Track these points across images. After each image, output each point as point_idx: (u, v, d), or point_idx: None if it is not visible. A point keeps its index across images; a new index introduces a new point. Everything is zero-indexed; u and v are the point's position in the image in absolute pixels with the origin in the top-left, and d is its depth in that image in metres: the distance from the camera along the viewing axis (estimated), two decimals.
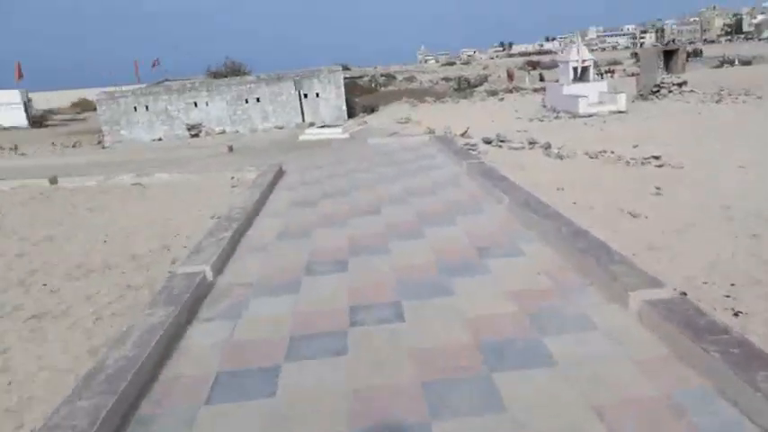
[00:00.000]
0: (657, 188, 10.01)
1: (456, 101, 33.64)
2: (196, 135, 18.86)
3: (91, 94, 41.65)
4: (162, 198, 10.35)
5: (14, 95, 45.88)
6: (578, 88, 29.73)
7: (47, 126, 47.51)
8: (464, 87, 54.26)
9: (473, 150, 14.14)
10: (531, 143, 16.46)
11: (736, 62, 55.47)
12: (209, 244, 6.46)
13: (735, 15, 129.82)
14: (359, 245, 6.43)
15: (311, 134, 16.26)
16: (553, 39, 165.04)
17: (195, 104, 31.47)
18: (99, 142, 31.15)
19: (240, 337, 4.46)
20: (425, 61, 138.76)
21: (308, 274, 5.68)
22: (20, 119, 45.65)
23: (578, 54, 29.92)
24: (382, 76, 71.31)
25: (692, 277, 5.69)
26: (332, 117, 33.13)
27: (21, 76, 47.38)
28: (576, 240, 5.57)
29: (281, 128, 20.93)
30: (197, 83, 32.16)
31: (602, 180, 11.66)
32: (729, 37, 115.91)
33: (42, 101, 60.61)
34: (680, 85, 30.52)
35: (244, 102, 32.06)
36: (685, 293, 5.09)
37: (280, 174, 11.05)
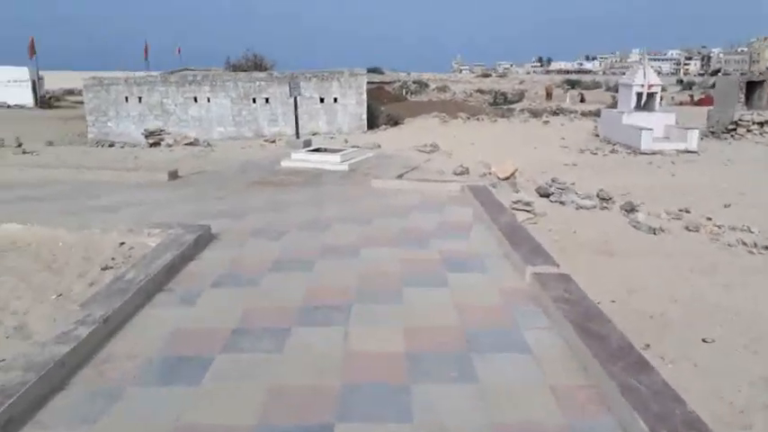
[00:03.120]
0: None
1: (493, 119, 28.54)
2: (156, 143, 14.34)
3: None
4: None
5: (23, 73, 42.00)
6: (641, 118, 24.35)
7: (55, 107, 43.62)
8: (500, 103, 49.04)
9: (527, 210, 9.15)
10: (603, 200, 11.39)
11: None
12: None
13: None
14: None
15: (297, 160, 11.40)
16: (593, 58, 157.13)
17: (195, 100, 26.93)
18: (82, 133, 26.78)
19: None
20: (460, 71, 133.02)
21: None
22: (26, 97, 41.74)
23: (644, 77, 24.57)
24: (414, 83, 66.32)
25: None
26: (350, 126, 28.30)
27: (33, 53, 43.61)
28: None
29: (272, 141, 16.19)
30: (199, 75, 27.57)
31: (757, 299, 6.56)
32: None
33: (62, 80, 56.87)
34: (761, 124, 24.98)
35: (251, 101, 27.45)
36: None
37: (197, 247, 6.17)
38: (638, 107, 24.66)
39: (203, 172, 10.70)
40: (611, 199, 11.38)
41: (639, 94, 24.53)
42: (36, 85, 43.12)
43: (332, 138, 26.36)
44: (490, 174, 11.58)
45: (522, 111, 31.49)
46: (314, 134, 27.57)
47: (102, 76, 27.67)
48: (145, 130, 18.88)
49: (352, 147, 14.02)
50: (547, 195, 10.80)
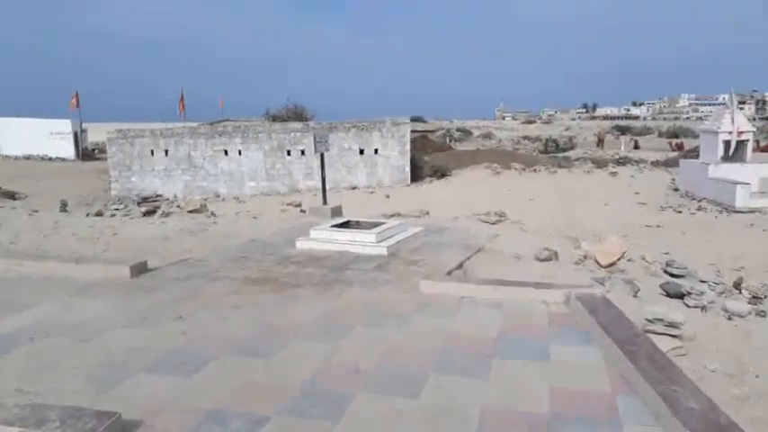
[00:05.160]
0: None
1: (552, 170, 25.00)
2: (150, 212, 11.52)
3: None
4: None
5: (64, 125, 41.00)
6: (732, 170, 20.37)
7: (97, 159, 42.40)
8: (551, 150, 45.38)
9: (672, 334, 5.59)
10: (755, 298, 7.68)
11: None
12: None
13: None
14: None
15: (319, 240, 8.19)
16: (641, 104, 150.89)
17: (225, 153, 24.46)
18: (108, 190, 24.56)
19: None
20: (503, 118, 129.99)
21: None
22: (68, 150, 40.66)
23: (733, 123, 20.76)
24: (458, 131, 63.53)
25: None
26: (392, 179, 25.25)
27: (77, 105, 42.81)
28: None
29: (296, 205, 13.10)
30: (230, 126, 25.17)
31: None
32: None
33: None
34: None
35: (286, 153, 24.81)
36: None
37: None
38: (726, 157, 20.78)
39: (187, 260, 7.57)
40: (765, 297, 7.66)
41: (727, 143, 20.67)
42: (78, 138, 42.04)
43: (372, 192, 23.33)
44: (586, 258, 8.11)
45: (583, 160, 27.82)
46: (353, 188, 24.67)
47: (129, 127, 25.65)
48: (137, 196, 16.21)
49: (393, 217, 10.77)
50: (680, 296, 7.22)
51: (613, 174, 24.30)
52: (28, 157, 38.45)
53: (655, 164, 27.70)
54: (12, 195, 22.80)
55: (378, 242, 7.90)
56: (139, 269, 6.83)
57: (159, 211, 11.71)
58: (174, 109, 46.18)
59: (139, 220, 10.34)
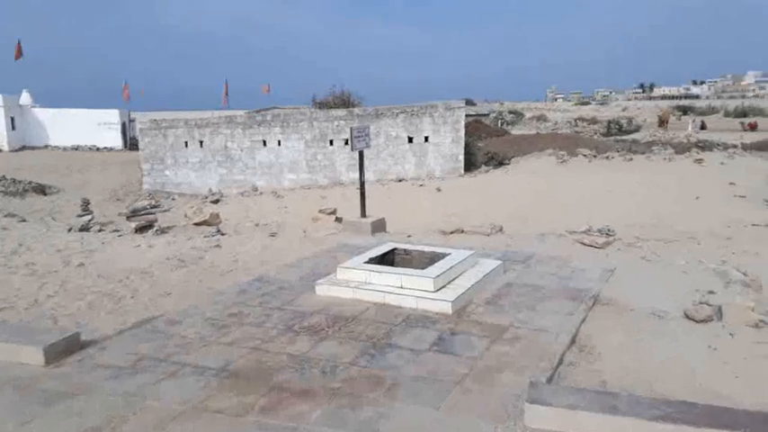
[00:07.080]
0: None
1: (628, 158, 21.33)
2: (144, 227, 8.96)
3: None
4: None
5: (112, 115, 39.76)
6: None
7: None
8: (614, 133, 41.06)
9: None
10: None
11: None
12: None
13: None
14: None
15: (350, 284, 5.34)
16: (702, 82, 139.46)
17: (264, 143, 21.94)
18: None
19: None
20: (555, 99, 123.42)
21: None
22: (116, 140, 39.50)
23: None
24: (510, 113, 59.35)
25: None
26: (443, 169, 22.15)
27: (128, 97, 41.78)
28: None
29: (330, 212, 10.37)
30: (269, 115, 22.60)
31: None
32: None
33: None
34: None
35: (328, 143, 22.08)
36: None
37: None
38: None
39: (152, 321, 4.91)
40: None
41: None
42: (126, 128, 40.86)
43: (421, 185, 20.36)
44: (754, 311, 5.02)
45: (663, 145, 23.92)
46: (399, 180, 21.76)
47: (163, 117, 23.54)
48: (127, 208, 13.76)
49: (454, 234, 7.78)
50: None
51: (699, 161, 20.43)
52: (76, 148, 37.40)
53: (746, 148, 23.52)
54: (42, 190, 21.09)
55: (437, 290, 5.02)
56: (64, 349, 4.19)
57: (156, 225, 9.21)
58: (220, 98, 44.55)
59: (126, 240, 7.84)
